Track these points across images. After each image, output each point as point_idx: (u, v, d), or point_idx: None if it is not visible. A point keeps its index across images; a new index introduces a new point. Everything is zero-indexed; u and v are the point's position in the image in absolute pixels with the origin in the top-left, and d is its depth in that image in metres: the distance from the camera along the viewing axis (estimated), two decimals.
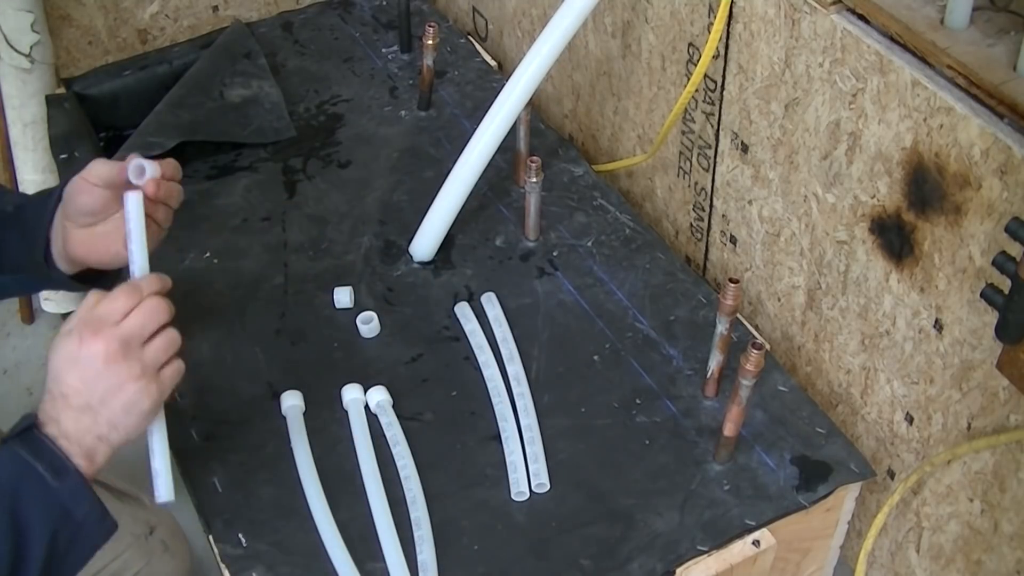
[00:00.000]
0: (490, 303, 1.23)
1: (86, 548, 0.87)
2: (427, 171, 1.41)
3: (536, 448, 1.08)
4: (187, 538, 1.33)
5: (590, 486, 1.07)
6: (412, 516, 1.03)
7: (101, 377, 0.85)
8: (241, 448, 1.10)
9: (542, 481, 1.06)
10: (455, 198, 1.27)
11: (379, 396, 1.13)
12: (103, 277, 1.03)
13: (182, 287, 0.99)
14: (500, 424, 1.11)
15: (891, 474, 1.16)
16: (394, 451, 1.08)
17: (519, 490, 1.05)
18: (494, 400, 1.13)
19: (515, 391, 1.13)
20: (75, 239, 0.98)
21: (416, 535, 1.01)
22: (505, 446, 1.09)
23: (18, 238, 1.01)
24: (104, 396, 0.86)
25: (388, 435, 1.10)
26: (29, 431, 0.85)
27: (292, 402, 1.12)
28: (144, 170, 0.93)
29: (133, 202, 0.93)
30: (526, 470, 1.07)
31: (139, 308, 0.88)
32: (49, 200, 1.00)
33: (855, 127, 1.03)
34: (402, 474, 1.06)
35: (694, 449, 1.10)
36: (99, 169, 0.95)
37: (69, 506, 0.84)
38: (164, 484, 0.91)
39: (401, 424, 1.11)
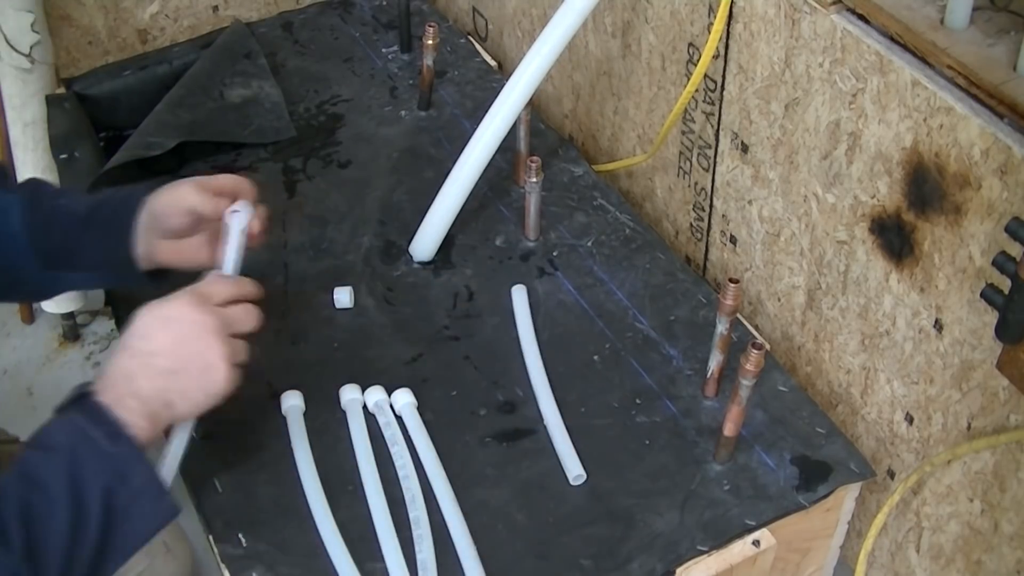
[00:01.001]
0: (519, 296, 1.24)
1: (144, 522, 0.87)
2: (427, 171, 1.41)
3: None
4: (188, 538, 1.33)
5: (590, 486, 1.07)
6: (412, 516, 1.03)
7: (194, 344, 0.89)
8: (241, 448, 1.10)
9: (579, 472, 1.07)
10: (455, 198, 1.27)
11: (377, 396, 1.13)
12: (171, 274, 1.09)
13: (183, 286, 1.00)
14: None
15: (891, 474, 1.16)
16: (392, 451, 1.08)
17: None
18: (539, 394, 1.14)
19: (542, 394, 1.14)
20: (162, 248, 1.05)
21: (415, 535, 1.01)
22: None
23: (99, 240, 1.05)
24: (188, 363, 0.89)
25: (386, 435, 1.10)
26: (85, 398, 0.86)
27: (292, 402, 1.12)
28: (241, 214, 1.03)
29: (236, 225, 1.03)
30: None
31: (244, 305, 0.95)
32: (129, 206, 1.05)
33: (855, 127, 1.03)
34: (401, 474, 1.06)
35: (694, 449, 1.10)
36: (191, 199, 1.02)
37: (124, 470, 0.85)
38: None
39: (400, 424, 1.11)
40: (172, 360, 0.89)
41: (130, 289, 1.14)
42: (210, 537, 1.04)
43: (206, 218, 1.03)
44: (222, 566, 1.01)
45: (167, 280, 1.09)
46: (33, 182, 1.13)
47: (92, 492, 0.84)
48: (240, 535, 1.03)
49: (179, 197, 1.03)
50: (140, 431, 0.86)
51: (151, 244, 1.04)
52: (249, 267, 1.28)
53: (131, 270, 1.06)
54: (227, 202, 1.04)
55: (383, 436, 1.10)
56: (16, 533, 0.80)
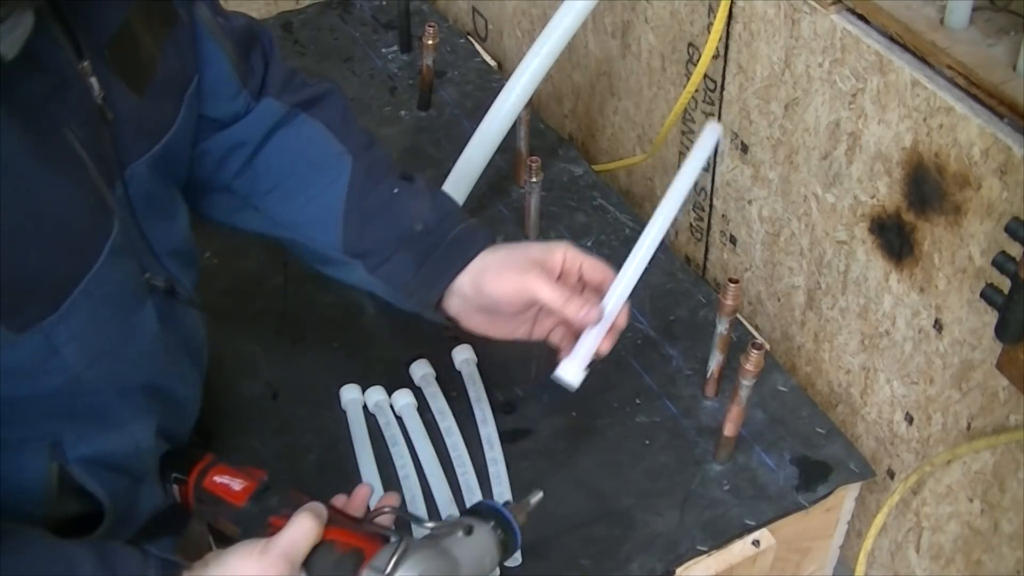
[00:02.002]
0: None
1: None
2: (427, 171, 1.41)
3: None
4: None
5: (590, 486, 1.07)
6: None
7: None
8: (241, 448, 1.10)
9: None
10: (455, 198, 1.26)
11: (377, 396, 1.13)
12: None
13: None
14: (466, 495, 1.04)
15: (891, 474, 1.16)
16: (392, 451, 1.08)
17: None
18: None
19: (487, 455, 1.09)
20: (473, 319, 0.97)
21: (416, 534, 1.01)
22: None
23: (413, 267, 0.97)
24: None
25: (387, 435, 1.10)
26: (176, 566, 0.82)
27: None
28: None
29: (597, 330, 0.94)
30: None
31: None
32: (464, 252, 0.96)
33: (855, 127, 1.03)
34: (401, 474, 1.06)
35: (694, 449, 1.10)
36: (544, 294, 0.91)
37: None
38: None
39: (400, 424, 1.11)
40: None
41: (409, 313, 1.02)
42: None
43: (538, 308, 0.94)
44: None
45: (453, 326, 1.00)
46: (367, 142, 1.02)
47: None
48: None
49: (527, 287, 0.92)
50: None
51: (464, 311, 0.97)
52: (249, 267, 1.29)
53: (426, 306, 0.98)
54: (579, 300, 0.92)
55: (383, 436, 1.10)
56: None
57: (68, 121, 0.78)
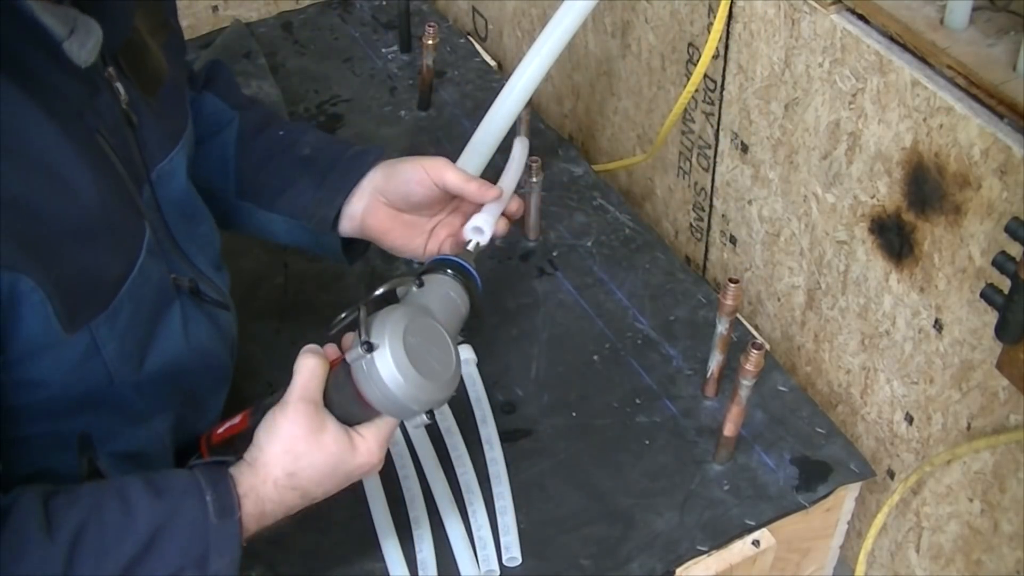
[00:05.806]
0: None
1: None
2: None
3: (508, 518, 1.03)
4: None
5: (590, 486, 1.07)
6: (412, 516, 1.03)
7: (342, 479, 0.87)
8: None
9: (513, 555, 1.00)
10: None
11: None
12: (361, 249, 1.08)
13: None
14: (466, 497, 1.05)
15: (891, 474, 1.16)
16: (392, 451, 1.08)
17: (489, 568, 0.99)
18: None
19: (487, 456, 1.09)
20: (378, 215, 1.01)
21: (416, 534, 1.01)
22: (472, 519, 1.03)
23: (313, 186, 1.02)
24: (328, 489, 0.87)
25: None
26: (221, 465, 0.84)
27: None
28: (481, 231, 1.00)
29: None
30: (496, 543, 1.02)
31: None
32: (363, 160, 1.02)
33: (855, 127, 1.03)
34: (401, 474, 1.06)
35: (694, 449, 1.10)
36: (449, 176, 0.98)
37: (211, 551, 0.80)
38: None
39: (400, 424, 1.11)
40: (312, 488, 0.85)
41: (314, 255, 1.10)
42: None
43: (449, 203, 1.02)
44: None
45: (357, 258, 1.07)
46: (255, 103, 1.10)
47: (170, 549, 0.79)
48: None
49: (438, 171, 0.98)
50: (249, 521, 0.82)
51: (370, 207, 1.01)
52: (249, 267, 1.29)
53: (331, 229, 1.02)
54: (480, 181, 1.00)
55: None
56: (67, 534, 0.76)
57: (99, 127, 0.81)
